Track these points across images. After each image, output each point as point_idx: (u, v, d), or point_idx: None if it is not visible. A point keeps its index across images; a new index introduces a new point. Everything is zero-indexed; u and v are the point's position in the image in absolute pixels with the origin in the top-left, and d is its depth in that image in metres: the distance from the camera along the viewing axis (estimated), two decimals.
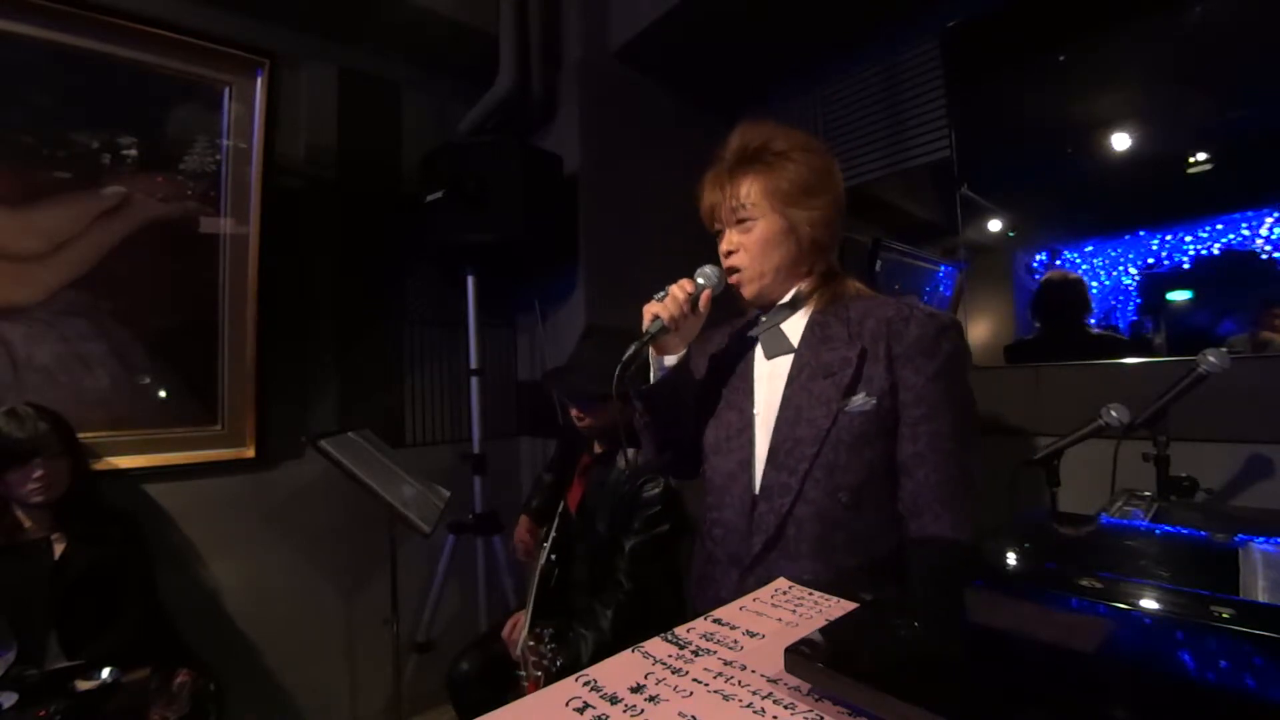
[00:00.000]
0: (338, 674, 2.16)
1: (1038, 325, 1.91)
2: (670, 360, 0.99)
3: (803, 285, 1.00)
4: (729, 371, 1.05)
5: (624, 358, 0.92)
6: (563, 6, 2.39)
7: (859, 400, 0.90)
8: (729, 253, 1.00)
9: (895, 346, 0.90)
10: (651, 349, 0.98)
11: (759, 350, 1.03)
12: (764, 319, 1.04)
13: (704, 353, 1.11)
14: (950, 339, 0.91)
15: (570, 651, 1.40)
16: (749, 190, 0.97)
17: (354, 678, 2.18)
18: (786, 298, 1.01)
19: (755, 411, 0.99)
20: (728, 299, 1.07)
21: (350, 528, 2.15)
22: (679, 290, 0.94)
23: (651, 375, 1.01)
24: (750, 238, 0.98)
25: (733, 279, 1.00)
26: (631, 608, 1.46)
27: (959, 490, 0.90)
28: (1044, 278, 1.90)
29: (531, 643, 1.40)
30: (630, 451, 1.28)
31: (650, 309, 0.94)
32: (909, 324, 0.91)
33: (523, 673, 1.42)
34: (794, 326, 1.00)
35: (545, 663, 1.36)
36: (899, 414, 0.91)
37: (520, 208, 2.04)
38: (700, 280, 0.96)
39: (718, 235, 1.03)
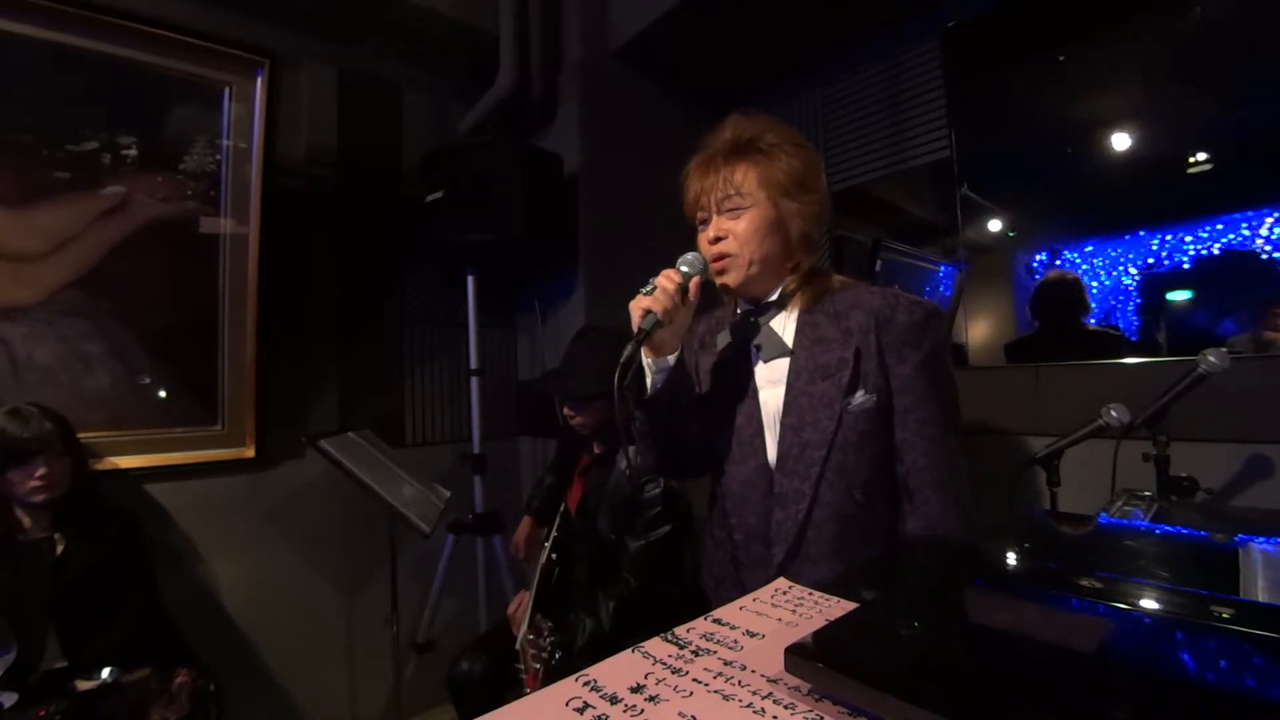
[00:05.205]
0: (338, 674, 2.16)
1: (1037, 324, 1.91)
2: (668, 360, 0.94)
3: (788, 282, 0.99)
4: (730, 374, 1.03)
5: (621, 360, 0.85)
6: (563, 6, 2.38)
7: (859, 399, 0.91)
8: (717, 239, 0.96)
9: (884, 336, 0.92)
10: (645, 349, 0.93)
11: (755, 352, 1.01)
12: (752, 318, 1.02)
13: (690, 348, 1.08)
14: (934, 327, 0.94)
15: (567, 635, 1.40)
16: (743, 178, 0.95)
17: (354, 678, 2.18)
18: (774, 295, 1.00)
19: (762, 417, 0.98)
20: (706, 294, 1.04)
21: (350, 528, 2.14)
22: (666, 281, 0.89)
23: (648, 378, 0.96)
24: (740, 225, 0.95)
25: (718, 264, 0.96)
26: (635, 604, 1.46)
27: (946, 473, 0.92)
28: (1042, 278, 1.90)
29: (531, 636, 1.40)
30: (631, 450, 1.28)
31: (639, 304, 0.89)
32: (895, 312, 0.93)
33: (522, 665, 1.43)
34: (784, 327, 0.99)
35: (545, 655, 1.36)
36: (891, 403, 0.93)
37: (520, 208, 2.04)
38: (685, 268, 0.92)
39: (702, 225, 1.00)
